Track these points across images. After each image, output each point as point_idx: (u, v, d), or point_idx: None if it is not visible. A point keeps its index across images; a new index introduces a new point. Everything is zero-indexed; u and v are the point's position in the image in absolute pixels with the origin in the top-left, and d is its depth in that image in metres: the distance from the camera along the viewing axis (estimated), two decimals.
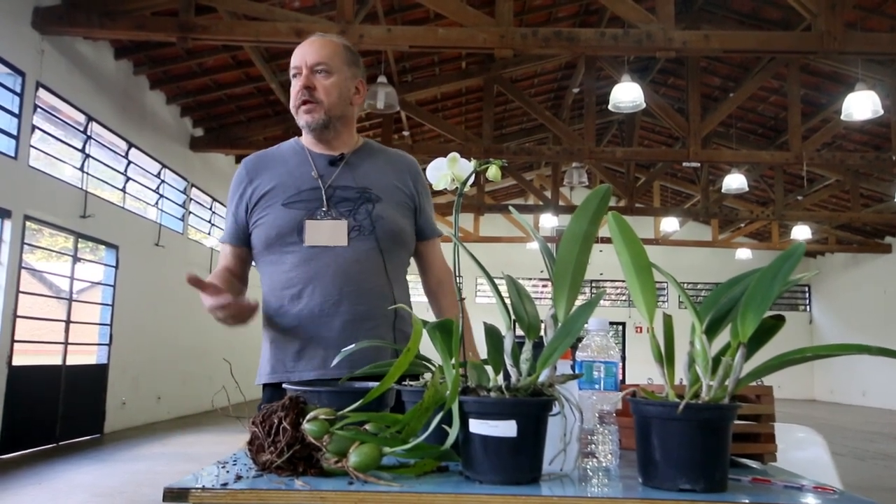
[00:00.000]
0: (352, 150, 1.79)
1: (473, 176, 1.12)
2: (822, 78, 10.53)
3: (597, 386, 1.08)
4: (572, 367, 1.10)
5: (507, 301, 1.01)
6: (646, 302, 0.95)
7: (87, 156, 8.05)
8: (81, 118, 7.98)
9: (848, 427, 11.94)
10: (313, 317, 1.67)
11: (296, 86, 1.72)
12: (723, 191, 11.89)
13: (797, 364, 0.91)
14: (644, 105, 8.04)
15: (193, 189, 11.09)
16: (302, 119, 1.73)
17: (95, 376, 8.37)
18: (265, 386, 1.73)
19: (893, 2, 8.40)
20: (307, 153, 1.78)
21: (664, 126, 12.48)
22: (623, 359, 19.53)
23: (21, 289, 6.79)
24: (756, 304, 0.88)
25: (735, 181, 11.31)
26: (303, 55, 1.73)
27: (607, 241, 1.00)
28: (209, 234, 11.90)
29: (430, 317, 1.18)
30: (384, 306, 1.68)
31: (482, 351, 1.03)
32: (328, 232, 1.68)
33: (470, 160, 1.12)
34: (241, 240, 1.78)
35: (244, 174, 1.79)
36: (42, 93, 7.13)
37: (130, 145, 8.99)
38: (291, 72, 1.74)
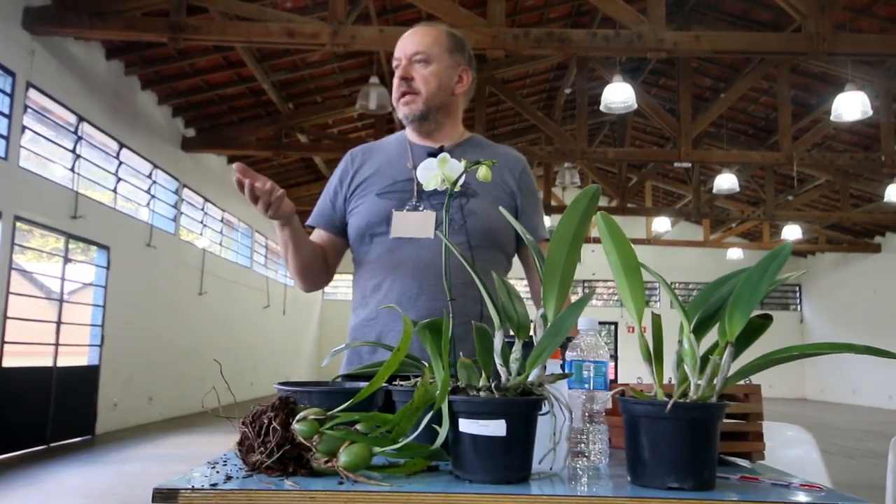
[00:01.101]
0: (454, 143, 1.74)
1: (464, 176, 1.12)
2: (812, 79, 10.60)
3: (586, 385, 1.09)
4: (562, 367, 1.11)
5: (498, 301, 1.02)
6: (634, 302, 0.96)
7: (78, 156, 8.02)
8: (72, 118, 7.94)
9: (838, 425, 12.01)
10: (390, 310, 1.62)
11: (397, 77, 1.69)
12: (714, 191, 11.94)
13: (784, 363, 0.92)
14: (635, 106, 8.07)
15: (185, 189, 11.06)
16: (401, 111, 1.69)
17: (87, 378, 8.34)
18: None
19: (882, 3, 8.46)
20: (408, 144, 1.74)
21: (655, 126, 12.53)
22: (615, 358, 19.58)
23: (11, 290, 6.75)
24: (743, 304, 0.89)
25: (726, 181, 11.36)
26: (403, 45, 1.69)
27: (598, 241, 1.01)
28: (201, 234, 11.86)
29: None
30: (467, 305, 1.56)
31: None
32: (415, 223, 1.62)
33: (461, 161, 1.12)
34: (333, 226, 1.75)
35: (349, 162, 1.77)
36: (32, 93, 7.10)
37: (122, 146, 8.95)
38: (393, 63, 1.71)
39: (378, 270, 1.66)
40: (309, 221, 1.80)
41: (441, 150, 1.68)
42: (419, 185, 1.62)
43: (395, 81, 1.69)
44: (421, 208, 1.64)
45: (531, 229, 1.75)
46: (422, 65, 1.67)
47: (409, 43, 1.68)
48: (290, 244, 1.65)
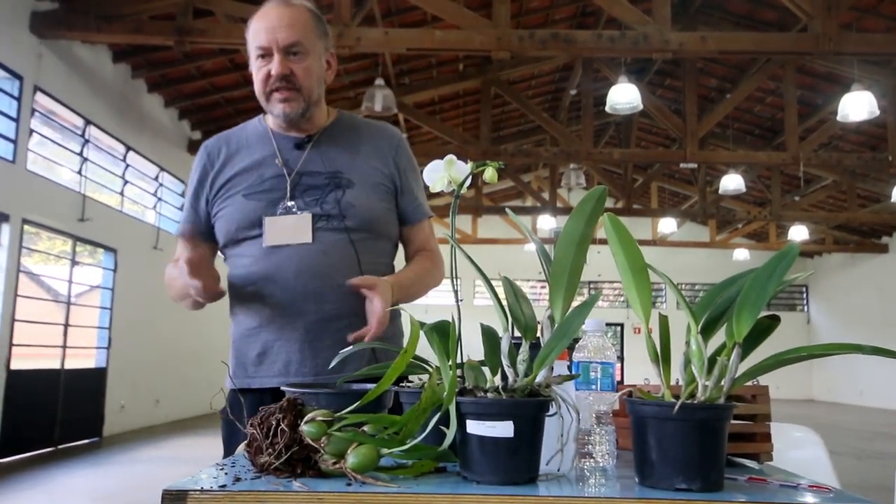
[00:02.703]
0: (321, 130, 1.60)
1: (470, 178, 1.12)
2: (819, 79, 10.56)
3: (593, 386, 1.09)
4: (569, 368, 1.11)
5: (505, 302, 1.02)
6: (642, 303, 0.96)
7: (85, 159, 8.05)
8: (79, 122, 7.98)
9: (845, 426, 11.96)
10: (275, 316, 1.51)
11: (263, 70, 1.51)
12: (720, 191, 11.91)
13: (792, 363, 0.92)
14: (641, 106, 8.05)
15: None
16: (277, 108, 1.53)
17: (94, 380, 8.36)
18: (231, 391, 1.56)
19: (889, 2, 8.43)
20: (270, 135, 1.59)
21: (661, 127, 12.50)
22: (621, 359, 19.54)
23: (19, 292, 6.78)
24: (751, 305, 0.89)
25: (732, 182, 11.33)
26: (272, 33, 1.50)
27: (605, 242, 1.01)
28: None
29: (421, 312, 1.13)
30: (356, 304, 1.47)
31: (479, 351, 1.03)
32: (290, 228, 1.50)
33: (467, 162, 1.12)
34: (202, 233, 1.61)
35: (206, 159, 1.62)
36: (40, 96, 7.14)
37: (128, 148, 8.99)
38: (255, 51, 1.52)
39: (255, 275, 1.52)
40: (177, 232, 1.66)
41: (309, 139, 1.58)
42: (293, 181, 1.53)
43: (263, 74, 1.51)
44: (294, 209, 1.51)
45: (414, 210, 1.64)
46: (298, 57, 1.51)
47: (282, 31, 1.50)
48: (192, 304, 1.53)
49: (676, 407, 0.87)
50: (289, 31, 1.50)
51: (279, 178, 1.54)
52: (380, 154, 1.61)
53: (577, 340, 1.13)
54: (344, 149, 1.59)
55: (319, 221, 1.51)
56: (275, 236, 1.51)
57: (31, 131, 7.00)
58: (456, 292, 1.10)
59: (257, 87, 1.55)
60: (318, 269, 1.50)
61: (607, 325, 1.17)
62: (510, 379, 0.97)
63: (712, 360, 0.92)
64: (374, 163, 1.59)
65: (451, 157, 1.14)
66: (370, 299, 1.45)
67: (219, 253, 1.67)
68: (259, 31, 1.52)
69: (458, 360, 1.00)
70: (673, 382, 0.96)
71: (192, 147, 10.58)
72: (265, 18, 1.52)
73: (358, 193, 1.54)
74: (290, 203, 1.52)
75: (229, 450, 1.48)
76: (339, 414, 0.97)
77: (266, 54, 1.51)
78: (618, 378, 1.13)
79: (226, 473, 0.95)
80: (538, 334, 1.00)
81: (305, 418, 0.95)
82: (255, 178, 1.55)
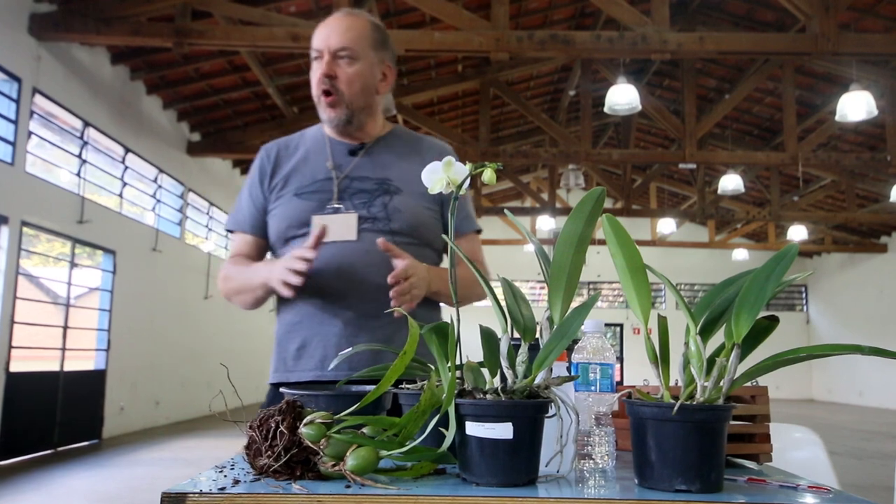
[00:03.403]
0: (374, 139, 1.67)
1: (469, 179, 1.12)
2: (817, 79, 10.57)
3: (593, 388, 1.09)
4: (568, 369, 1.11)
5: (503, 304, 1.02)
6: (640, 304, 0.96)
7: (84, 161, 8.05)
8: (78, 124, 7.98)
9: (845, 426, 11.96)
10: (315, 313, 1.57)
11: (316, 72, 1.59)
12: (719, 192, 11.92)
13: (791, 364, 0.92)
14: (640, 107, 8.06)
15: (190, 194, 11.09)
16: (323, 114, 1.62)
17: (93, 382, 8.36)
18: (270, 385, 1.65)
19: (887, 3, 8.44)
20: (327, 141, 1.67)
21: (660, 128, 12.51)
22: (621, 360, 19.54)
23: (18, 295, 6.78)
24: (749, 305, 0.89)
25: (731, 182, 11.34)
26: (326, 36, 1.58)
27: (604, 242, 1.01)
28: (206, 238, 11.89)
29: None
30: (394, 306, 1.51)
31: (478, 352, 1.03)
32: (337, 226, 1.55)
33: (466, 163, 1.13)
34: (257, 228, 1.67)
35: (265, 159, 1.69)
36: (39, 98, 7.13)
37: (127, 150, 8.98)
38: (312, 53, 1.60)
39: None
40: (230, 226, 1.71)
41: (362, 146, 1.65)
42: (342, 185, 1.59)
43: (316, 77, 1.58)
44: (342, 210, 1.57)
45: (460, 220, 1.69)
46: (347, 61, 1.57)
47: (334, 35, 1.57)
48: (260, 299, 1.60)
49: (676, 408, 0.87)
50: (341, 35, 1.57)
51: (329, 181, 1.61)
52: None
53: (576, 341, 1.13)
54: (395, 158, 1.65)
55: (365, 223, 1.56)
56: None
57: (30, 133, 7.00)
58: (455, 293, 1.10)
59: (313, 90, 1.62)
60: (359, 269, 1.54)
61: (606, 325, 1.17)
62: (509, 380, 0.97)
63: (711, 361, 0.92)
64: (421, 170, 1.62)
65: (449, 158, 1.14)
66: (396, 264, 1.46)
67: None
68: (317, 35, 1.60)
69: (457, 362, 1.00)
70: (672, 383, 0.96)
71: (191, 149, 10.58)
72: (325, 24, 1.60)
73: (405, 199, 1.60)
74: (336, 204, 1.58)
75: None
76: (338, 416, 0.97)
77: (319, 56, 1.58)
78: (617, 379, 1.13)
79: (225, 476, 0.94)
80: (537, 335, 1.00)
81: (304, 420, 0.95)
82: (307, 179, 1.62)
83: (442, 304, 1.68)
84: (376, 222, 1.57)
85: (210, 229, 12.03)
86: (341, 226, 1.56)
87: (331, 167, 1.62)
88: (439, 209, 1.66)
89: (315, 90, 1.61)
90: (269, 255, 1.74)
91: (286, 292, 1.46)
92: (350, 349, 1.25)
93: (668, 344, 0.97)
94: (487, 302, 1.03)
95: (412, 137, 1.73)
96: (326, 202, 1.59)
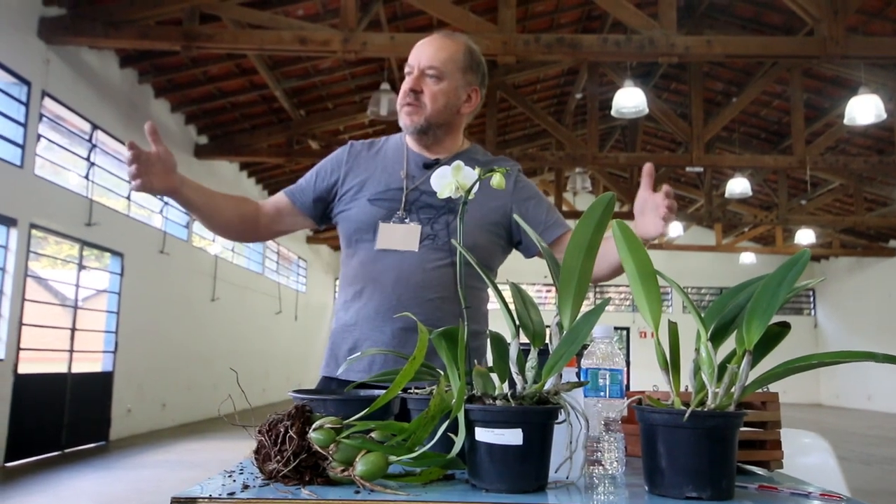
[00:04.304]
0: (450, 156, 1.70)
1: (478, 184, 1.12)
2: (825, 82, 10.53)
3: (602, 393, 1.09)
4: (577, 375, 1.10)
5: (512, 308, 1.01)
6: (651, 309, 0.95)
7: (93, 164, 8.09)
8: (87, 127, 8.01)
9: (854, 431, 11.89)
10: (369, 318, 1.63)
11: (405, 85, 1.67)
12: (726, 195, 11.87)
13: (803, 371, 0.91)
14: (647, 110, 8.05)
15: None
16: (402, 120, 1.68)
17: (101, 384, 8.38)
18: (322, 378, 1.72)
19: (895, 6, 8.40)
20: (405, 151, 1.72)
21: (667, 131, 12.48)
22: (628, 364, 19.49)
23: (27, 297, 6.81)
24: (761, 312, 0.88)
25: (738, 186, 11.30)
26: (418, 54, 1.66)
27: None
28: (213, 241, 11.92)
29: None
30: (444, 320, 1.53)
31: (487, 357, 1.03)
32: (400, 235, 1.62)
33: (474, 168, 1.13)
34: (300, 201, 1.75)
35: (346, 156, 1.76)
36: (48, 102, 7.17)
37: None
38: (406, 69, 1.68)
39: (360, 277, 1.65)
40: (284, 190, 1.80)
41: (437, 162, 1.69)
42: (412, 196, 1.65)
43: (404, 87, 1.67)
44: (407, 221, 1.63)
45: (549, 225, 1.71)
46: (433, 80, 1.64)
47: (425, 54, 1.65)
48: (194, 212, 1.65)
49: (687, 415, 0.87)
50: (432, 55, 1.65)
51: (400, 191, 1.67)
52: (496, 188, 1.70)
53: (585, 347, 1.12)
54: None
55: (426, 239, 1.62)
56: (385, 240, 1.63)
57: (39, 136, 7.03)
58: (464, 298, 1.10)
59: (398, 100, 1.69)
60: (414, 282, 1.60)
61: (613, 329, 1.17)
62: (519, 386, 0.97)
63: (722, 368, 0.92)
64: (492, 195, 1.62)
65: (458, 162, 1.14)
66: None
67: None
68: (413, 52, 1.68)
69: (467, 367, 1.00)
70: (682, 389, 0.96)
71: (198, 151, 10.61)
72: (421, 43, 1.69)
73: (468, 220, 1.61)
74: (402, 214, 1.64)
75: None
76: (347, 421, 0.97)
77: (410, 72, 1.66)
78: (624, 383, 1.12)
79: (234, 481, 0.95)
80: (546, 341, 1.00)
81: (314, 425, 0.95)
82: (381, 186, 1.68)
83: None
84: (437, 239, 1.62)
85: None
86: (405, 236, 1.62)
87: (404, 177, 1.68)
88: (505, 235, 1.71)
89: (399, 100, 1.68)
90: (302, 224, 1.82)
91: (139, 190, 1.49)
92: (358, 353, 1.27)
93: (679, 349, 0.97)
94: (495, 305, 1.03)
95: (487, 158, 1.78)
96: (395, 210, 1.64)
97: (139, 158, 1.45)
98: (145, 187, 1.47)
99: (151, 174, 1.47)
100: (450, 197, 1.60)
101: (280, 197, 1.78)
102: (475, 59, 1.70)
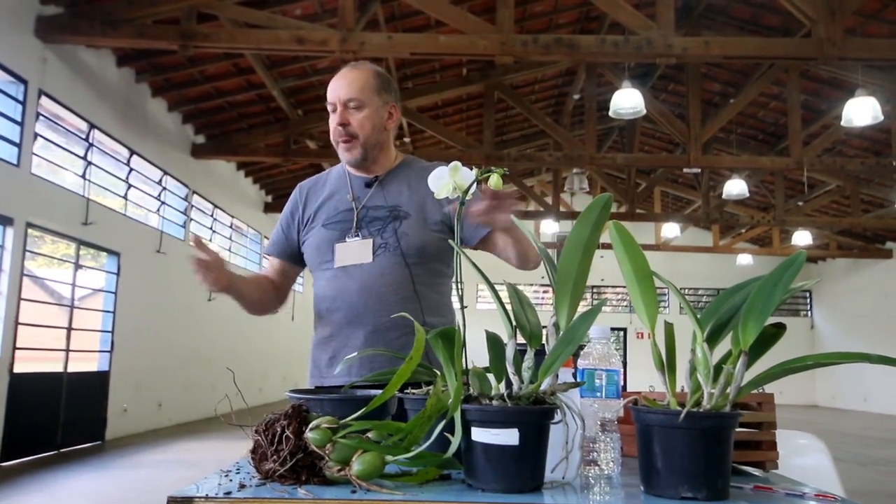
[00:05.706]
0: (387, 171, 1.88)
1: (475, 185, 1.12)
2: (822, 84, 10.55)
3: (598, 394, 1.09)
4: (574, 376, 1.11)
5: (509, 308, 1.02)
6: (647, 310, 0.95)
7: (89, 163, 8.07)
8: (83, 126, 8.00)
9: (850, 433, 11.91)
10: (342, 327, 1.79)
11: (333, 122, 1.82)
12: (723, 196, 11.89)
13: (799, 372, 0.91)
14: (644, 111, 8.06)
15: (195, 196, 11.10)
16: (343, 156, 1.84)
17: (97, 383, 8.37)
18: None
19: (893, 8, 8.42)
20: (347, 177, 1.90)
21: (665, 132, 12.50)
22: (624, 364, 19.46)
23: (23, 296, 6.79)
24: (757, 313, 0.89)
25: (736, 187, 11.31)
26: (336, 90, 1.81)
27: (608, 246, 1.00)
28: (210, 240, 11.90)
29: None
30: (408, 319, 1.62)
31: (484, 357, 1.03)
32: (355, 251, 1.79)
33: (471, 168, 1.13)
34: (286, 254, 1.93)
35: (298, 196, 1.95)
36: (44, 100, 7.16)
37: (132, 152, 9.00)
38: (329, 107, 1.84)
39: (329, 293, 1.82)
40: (265, 251, 1.97)
41: (376, 178, 1.86)
42: (360, 214, 1.82)
43: (333, 125, 1.82)
44: (358, 236, 1.80)
45: (476, 227, 1.75)
46: (356, 109, 1.80)
47: (342, 89, 1.80)
48: (239, 300, 1.86)
49: (682, 415, 0.87)
50: (348, 88, 1.80)
51: (350, 212, 1.84)
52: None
53: (581, 347, 1.12)
54: (403, 186, 1.86)
55: (379, 249, 1.78)
56: (342, 258, 1.80)
57: (36, 135, 7.01)
58: (461, 298, 1.10)
59: (331, 137, 1.85)
60: (376, 289, 1.76)
61: (610, 329, 1.17)
62: (515, 386, 0.97)
63: (718, 369, 0.92)
64: (430, 196, 1.67)
65: (456, 163, 1.14)
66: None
67: (295, 281, 2.03)
68: (329, 90, 1.84)
69: (463, 367, 1.00)
70: (678, 390, 0.96)
71: (196, 151, 10.60)
72: (335, 79, 1.84)
73: (412, 223, 1.80)
74: (354, 232, 1.81)
75: None
76: (343, 421, 0.97)
77: (333, 109, 1.82)
78: (620, 383, 1.12)
79: (230, 480, 0.94)
80: (543, 341, 1.00)
81: (310, 425, 0.95)
82: (332, 211, 1.86)
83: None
84: (388, 247, 1.78)
85: (214, 231, 12.05)
86: (359, 250, 1.79)
87: (350, 199, 1.85)
88: (449, 232, 1.81)
89: (333, 136, 1.83)
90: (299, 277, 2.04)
91: (211, 289, 1.73)
92: (355, 354, 1.30)
93: (675, 350, 0.97)
94: (493, 306, 1.03)
95: (421, 166, 1.91)
96: (348, 231, 1.82)
97: (200, 265, 1.70)
98: (214, 285, 1.72)
99: (214, 275, 1.71)
100: (395, 205, 1.79)
101: (270, 260, 1.99)
102: (385, 80, 1.86)
